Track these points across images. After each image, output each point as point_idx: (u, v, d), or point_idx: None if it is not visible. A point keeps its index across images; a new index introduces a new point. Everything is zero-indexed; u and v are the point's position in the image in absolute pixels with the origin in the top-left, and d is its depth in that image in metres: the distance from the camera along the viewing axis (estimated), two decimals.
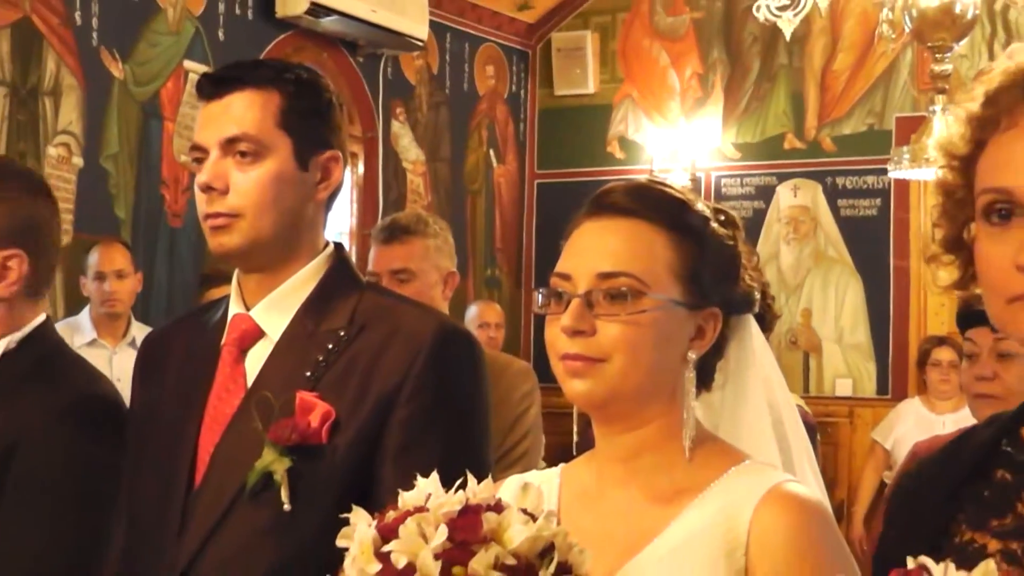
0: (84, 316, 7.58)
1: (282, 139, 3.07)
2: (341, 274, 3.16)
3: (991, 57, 10.14)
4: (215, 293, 4.93)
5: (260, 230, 3.04)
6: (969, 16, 6.40)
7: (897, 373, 10.42)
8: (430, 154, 11.06)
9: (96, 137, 8.46)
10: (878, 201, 10.86)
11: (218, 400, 3.07)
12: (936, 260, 2.23)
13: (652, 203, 2.54)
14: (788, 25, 6.72)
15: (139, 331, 7.26)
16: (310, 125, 3.13)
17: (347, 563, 2.17)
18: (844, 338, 10.87)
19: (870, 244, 10.89)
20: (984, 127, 2.12)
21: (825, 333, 10.94)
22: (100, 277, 7.44)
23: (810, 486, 2.61)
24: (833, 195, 10.98)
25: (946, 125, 6.80)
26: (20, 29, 8.12)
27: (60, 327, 7.22)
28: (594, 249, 2.51)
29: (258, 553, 2.85)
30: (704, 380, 2.60)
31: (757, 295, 2.70)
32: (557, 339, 2.48)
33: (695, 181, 11.07)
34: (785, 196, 11.07)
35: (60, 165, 8.22)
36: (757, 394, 2.72)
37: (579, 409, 2.58)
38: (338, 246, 3.22)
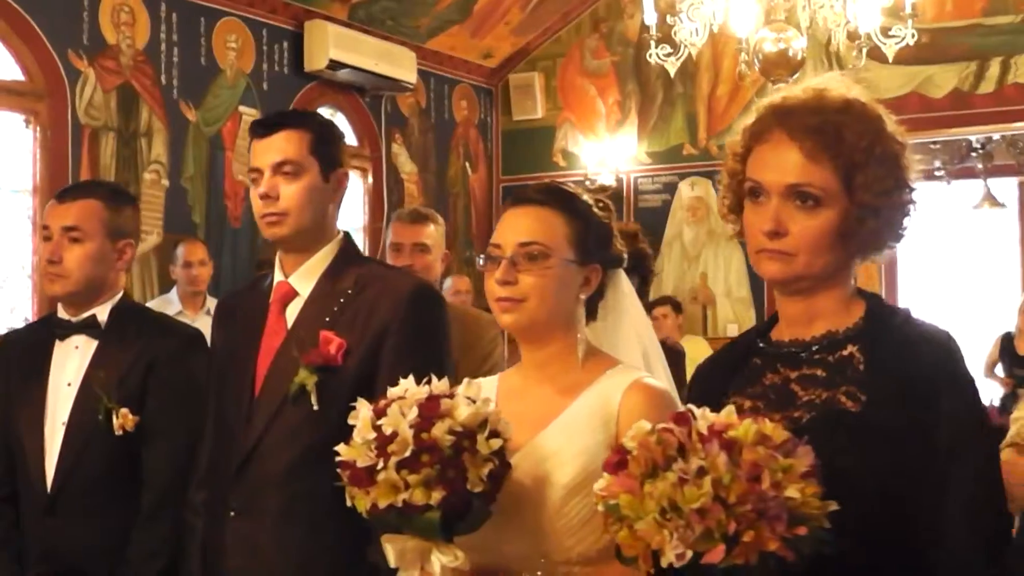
0: (173, 294, 7.61)
1: (312, 162, 3.25)
2: (348, 252, 3.34)
3: None
4: None
5: (299, 223, 3.24)
6: (799, 57, 6.46)
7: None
8: (421, 167, 10.93)
9: (178, 164, 8.45)
10: None
11: (268, 339, 3.25)
12: (726, 219, 2.40)
13: (553, 196, 2.69)
14: (672, 67, 6.79)
15: (212, 304, 7.12)
16: (329, 152, 3.31)
17: (354, 433, 2.37)
18: (732, 293, 10.73)
19: None
20: (753, 137, 2.30)
21: (718, 290, 10.80)
22: (186, 265, 7.51)
23: (664, 385, 2.69)
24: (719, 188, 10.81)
25: None
26: (123, 90, 8.14)
27: (156, 302, 7.51)
28: (516, 226, 2.65)
29: (298, 437, 3.05)
30: (591, 313, 2.73)
31: (625, 256, 2.82)
32: (493, 287, 2.63)
33: (619, 180, 11.01)
34: (685, 190, 10.99)
35: (152, 186, 8.25)
36: (627, 323, 2.84)
37: (509, 334, 2.83)
38: (347, 234, 3.40)
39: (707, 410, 2.01)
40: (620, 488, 1.94)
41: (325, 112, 9.93)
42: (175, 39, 8.52)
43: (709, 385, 2.44)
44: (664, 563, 1.89)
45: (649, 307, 7.53)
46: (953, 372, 2.20)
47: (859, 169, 2.20)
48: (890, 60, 6.75)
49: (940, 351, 2.22)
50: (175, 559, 3.40)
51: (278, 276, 3.32)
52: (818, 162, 2.21)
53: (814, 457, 1.95)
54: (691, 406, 2.05)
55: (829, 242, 2.22)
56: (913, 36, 6.49)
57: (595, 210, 2.74)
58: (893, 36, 6.52)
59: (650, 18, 6.72)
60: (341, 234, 3.37)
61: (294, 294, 3.28)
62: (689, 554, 1.87)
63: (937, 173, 11.35)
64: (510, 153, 11.78)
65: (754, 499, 1.85)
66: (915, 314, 2.36)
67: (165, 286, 7.92)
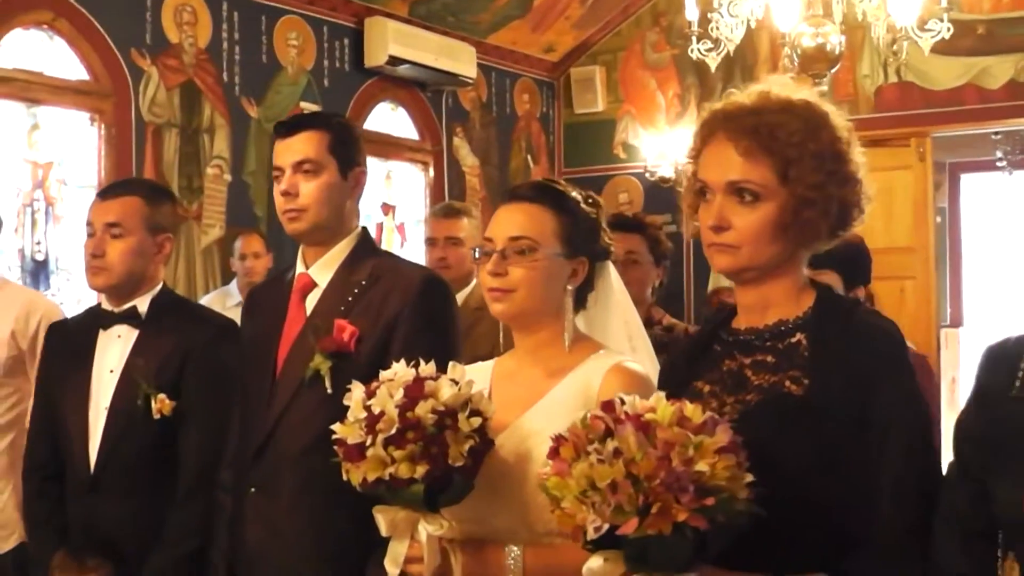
0: (232, 286, 7.72)
1: (330, 161, 3.42)
2: (365, 246, 3.50)
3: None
4: None
5: (317, 218, 3.41)
6: (837, 52, 6.46)
7: None
8: (483, 160, 10.99)
9: (240, 160, 8.54)
10: None
11: (289, 326, 3.42)
12: (690, 218, 2.52)
13: (542, 193, 2.84)
14: (713, 62, 6.87)
15: None
16: (347, 152, 3.47)
17: (348, 414, 2.55)
18: None
19: None
20: (701, 139, 2.47)
21: None
22: (242, 258, 7.63)
23: (645, 368, 2.81)
24: None
25: None
26: (186, 87, 8.26)
27: (215, 294, 7.71)
28: (507, 221, 2.79)
29: (313, 419, 3.18)
30: (580, 302, 2.86)
31: (612, 249, 2.94)
32: (485, 278, 2.78)
33: (678, 172, 10.40)
34: None
35: (215, 180, 8.36)
36: (616, 312, 2.97)
37: (502, 322, 2.91)
38: (364, 228, 3.55)
39: (636, 397, 2.16)
40: (553, 472, 2.12)
41: (386, 107, 10.16)
42: (237, 37, 8.68)
43: (676, 372, 2.59)
44: (589, 537, 2.06)
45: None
46: (892, 357, 2.32)
47: (792, 164, 2.33)
48: (926, 54, 6.79)
49: (882, 338, 2.34)
50: (207, 537, 3.56)
51: (299, 268, 3.49)
52: (754, 159, 2.34)
53: (731, 434, 2.09)
54: (620, 394, 2.20)
55: (770, 234, 2.36)
56: (949, 30, 6.52)
57: (583, 206, 2.87)
58: (929, 30, 6.56)
59: (691, 13, 6.83)
60: (359, 228, 3.53)
61: (313, 285, 3.44)
62: (606, 527, 2.03)
63: (999, 164, 11.34)
64: (572, 146, 11.83)
65: (663, 475, 2.00)
66: (864, 307, 2.50)
67: (228, 278, 8.09)
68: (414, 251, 9.46)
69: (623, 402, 2.15)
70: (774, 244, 2.38)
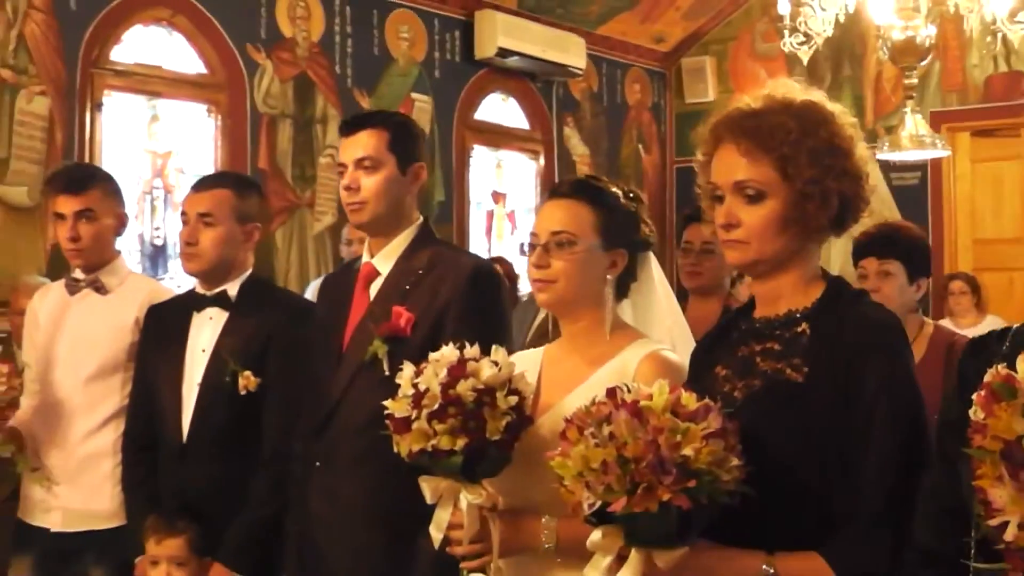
0: None
1: (390, 157, 3.64)
2: (424, 236, 3.68)
3: None
4: None
5: (377, 211, 3.63)
6: (927, 44, 6.55)
7: (936, 297, 9.65)
8: (593, 150, 11.10)
9: None
10: (919, 173, 10.68)
11: (354, 312, 3.64)
12: (708, 216, 2.64)
13: (581, 189, 2.99)
14: (804, 55, 7.04)
15: None
16: (406, 148, 3.67)
17: (399, 391, 2.76)
18: None
19: (913, 204, 10.69)
20: (713, 141, 2.59)
21: None
22: (350, 243, 7.65)
23: (682, 358, 2.87)
24: (886, 170, 10.53)
25: (915, 123, 7.16)
26: (299, 80, 8.55)
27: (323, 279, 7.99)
28: (549, 217, 2.96)
29: (370, 398, 3.23)
30: (621, 292, 3.00)
31: (653, 240, 3.08)
32: (530, 270, 2.96)
33: None
34: None
35: (328, 169, 8.55)
36: (656, 301, 3.08)
37: (549, 312, 3.10)
38: (425, 219, 3.75)
39: (640, 385, 2.34)
40: (559, 452, 2.32)
41: (496, 98, 10.39)
42: (349, 31, 8.95)
43: (701, 356, 2.75)
44: (585, 513, 2.26)
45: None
46: (881, 344, 2.43)
47: (790, 161, 2.46)
48: (1016, 46, 6.83)
49: (879, 326, 2.47)
50: (283, 504, 3.83)
51: (365, 257, 3.72)
52: (755, 159, 2.49)
53: (723, 420, 2.27)
54: (624, 382, 2.39)
55: (776, 228, 2.50)
56: None
57: (622, 200, 3.03)
58: (1020, 22, 6.59)
59: (783, 7, 6.96)
60: (420, 219, 3.73)
61: (376, 273, 3.66)
62: (598, 504, 2.22)
63: None
64: (683, 135, 11.88)
65: (650, 457, 2.19)
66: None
67: (339, 263, 8.20)
68: (524, 238, 9.62)
69: (627, 390, 2.33)
70: (780, 238, 2.51)
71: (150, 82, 7.83)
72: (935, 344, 4.31)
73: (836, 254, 10.17)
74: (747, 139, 2.51)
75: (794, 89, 2.61)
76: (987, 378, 1.80)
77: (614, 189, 3.06)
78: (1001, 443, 1.68)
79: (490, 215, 10.48)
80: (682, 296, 5.88)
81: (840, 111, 2.59)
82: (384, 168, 3.64)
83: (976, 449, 1.72)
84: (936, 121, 10.28)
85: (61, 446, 4.31)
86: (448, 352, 2.79)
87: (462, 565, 2.85)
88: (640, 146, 11.81)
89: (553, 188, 3.11)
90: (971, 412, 1.80)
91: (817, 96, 2.60)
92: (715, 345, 2.72)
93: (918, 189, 10.89)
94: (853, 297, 2.59)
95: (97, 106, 7.46)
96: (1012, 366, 1.78)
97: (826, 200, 2.49)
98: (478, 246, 10.14)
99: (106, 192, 4.40)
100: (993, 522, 1.73)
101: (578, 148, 11.09)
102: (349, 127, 3.71)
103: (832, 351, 2.43)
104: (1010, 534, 1.68)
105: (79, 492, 4.28)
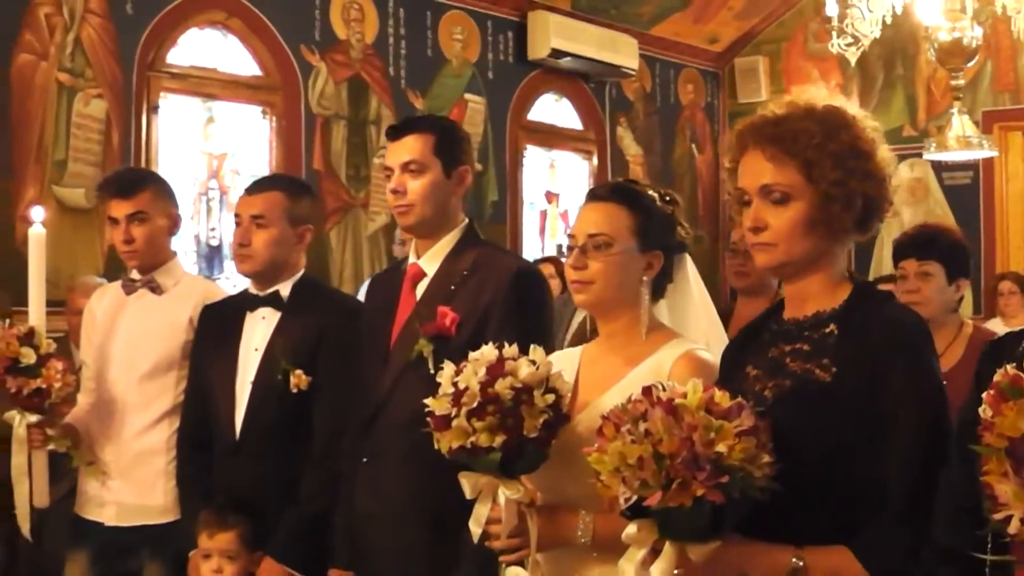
0: None
1: (435, 161, 3.68)
2: (469, 238, 3.73)
3: None
4: None
5: (422, 214, 3.67)
6: (973, 46, 6.53)
7: (987, 296, 9.89)
8: (646, 149, 11.17)
9: None
10: (971, 173, 10.68)
11: (401, 312, 3.69)
12: (737, 221, 2.71)
13: (618, 192, 3.04)
14: (852, 56, 7.06)
15: None
16: (452, 152, 3.71)
17: (440, 390, 2.81)
18: None
19: (965, 203, 10.76)
20: (739, 149, 2.65)
21: None
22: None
23: (716, 358, 2.89)
24: (938, 170, 10.86)
25: (961, 124, 7.16)
26: (353, 81, 8.68)
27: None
28: (586, 220, 3.00)
29: (415, 396, 3.11)
30: (657, 293, 3.05)
31: (689, 242, 3.13)
32: (568, 271, 3.01)
33: None
34: (904, 171, 10.90)
35: (381, 170, 7.99)
36: (692, 301, 3.14)
37: (587, 312, 3.14)
38: (470, 220, 3.78)
39: (675, 383, 2.39)
40: (596, 448, 2.37)
41: (549, 98, 10.46)
42: (402, 33, 9.04)
43: (733, 356, 2.81)
44: (621, 507, 2.32)
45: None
46: (907, 344, 2.48)
47: (814, 164, 2.52)
48: None
49: (899, 327, 2.52)
50: (332, 499, 3.88)
51: (412, 258, 3.77)
52: (780, 163, 2.54)
53: (755, 419, 2.32)
54: (659, 381, 2.44)
55: (802, 230, 2.55)
56: None
57: (658, 203, 3.08)
58: None
59: (831, 9, 6.98)
60: (465, 222, 3.78)
61: (423, 274, 3.72)
62: (634, 498, 2.28)
63: None
64: None
65: (684, 454, 2.24)
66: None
67: (392, 262, 8.22)
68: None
69: (663, 388, 2.38)
70: (806, 240, 2.56)
71: (205, 84, 7.95)
72: (974, 345, 4.32)
73: (888, 255, 10.20)
74: (772, 145, 2.56)
75: (818, 95, 2.67)
76: (996, 378, 1.85)
77: (651, 192, 3.11)
78: (1006, 440, 1.73)
79: (543, 215, 10.55)
80: (732, 296, 5.94)
81: (862, 115, 2.64)
82: (430, 172, 3.69)
83: (983, 446, 1.78)
84: (988, 121, 10.37)
85: (115, 442, 4.40)
86: (487, 351, 2.84)
87: (501, 559, 2.91)
88: (693, 146, 11.85)
89: (591, 191, 3.17)
90: (980, 410, 1.85)
91: (839, 101, 2.65)
92: (746, 345, 2.77)
93: (970, 188, 10.95)
94: (880, 298, 2.64)
95: (153, 108, 7.59)
96: (1022, 367, 1.82)
97: (850, 201, 2.55)
98: (531, 246, 10.22)
99: (157, 194, 4.47)
100: (998, 516, 1.78)
101: (631, 148, 11.13)
102: (395, 131, 3.76)
103: (859, 351, 2.48)
104: (1014, 527, 1.73)
105: (133, 487, 4.36)
